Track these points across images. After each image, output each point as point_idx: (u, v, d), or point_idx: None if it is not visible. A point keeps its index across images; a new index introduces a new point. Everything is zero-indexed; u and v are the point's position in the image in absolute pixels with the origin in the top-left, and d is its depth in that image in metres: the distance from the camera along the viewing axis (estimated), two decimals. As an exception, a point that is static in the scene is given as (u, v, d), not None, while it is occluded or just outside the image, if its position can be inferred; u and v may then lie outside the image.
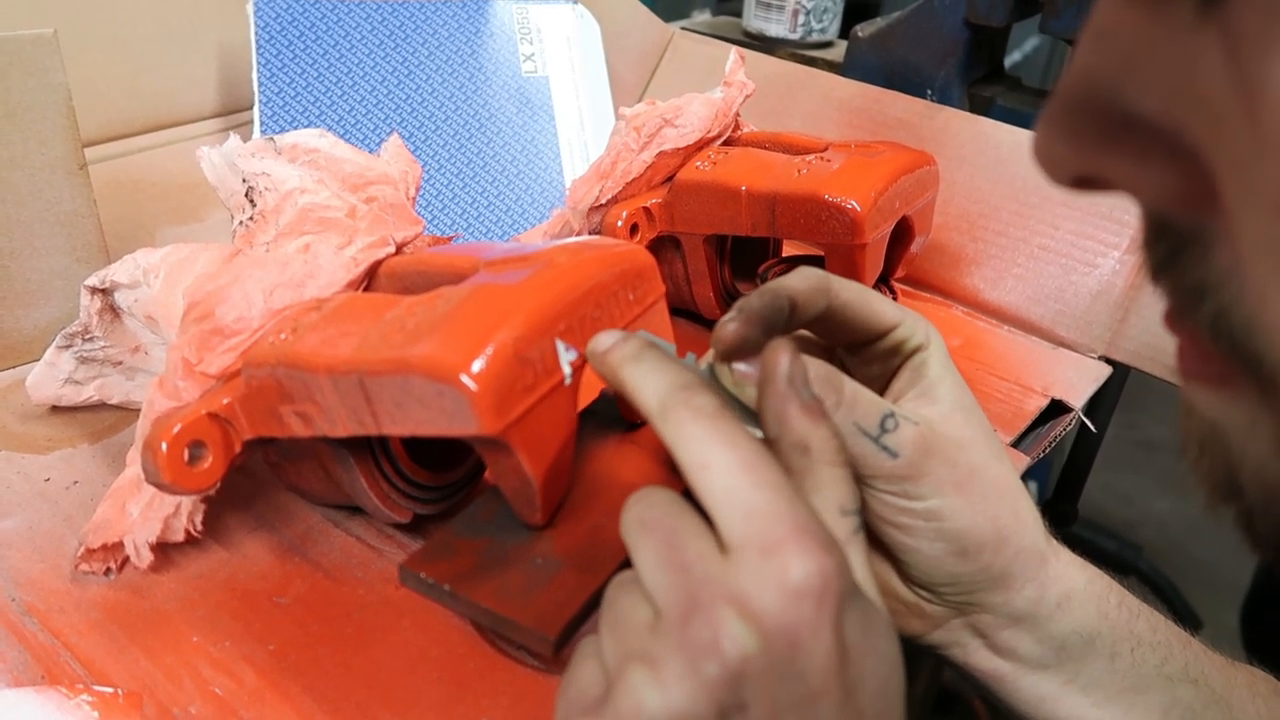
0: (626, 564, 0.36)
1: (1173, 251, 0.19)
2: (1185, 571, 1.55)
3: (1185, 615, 1.24)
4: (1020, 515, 0.35)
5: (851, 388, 0.33)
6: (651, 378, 0.29)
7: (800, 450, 0.29)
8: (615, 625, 0.27)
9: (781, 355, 0.30)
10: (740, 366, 0.32)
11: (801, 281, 0.33)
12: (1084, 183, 0.20)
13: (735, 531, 0.26)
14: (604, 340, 0.32)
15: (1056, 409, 0.59)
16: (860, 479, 0.34)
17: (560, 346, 0.36)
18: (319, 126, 0.68)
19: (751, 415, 0.32)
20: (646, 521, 0.28)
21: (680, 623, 0.25)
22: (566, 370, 0.36)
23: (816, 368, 0.32)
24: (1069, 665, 0.36)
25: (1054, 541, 0.37)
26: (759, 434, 0.31)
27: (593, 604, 0.34)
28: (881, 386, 0.37)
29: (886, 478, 0.33)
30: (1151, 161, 0.18)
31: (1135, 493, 1.78)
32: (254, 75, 0.67)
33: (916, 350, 0.36)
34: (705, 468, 0.27)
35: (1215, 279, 0.18)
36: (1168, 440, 1.87)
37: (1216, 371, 0.19)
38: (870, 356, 0.36)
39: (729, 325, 0.32)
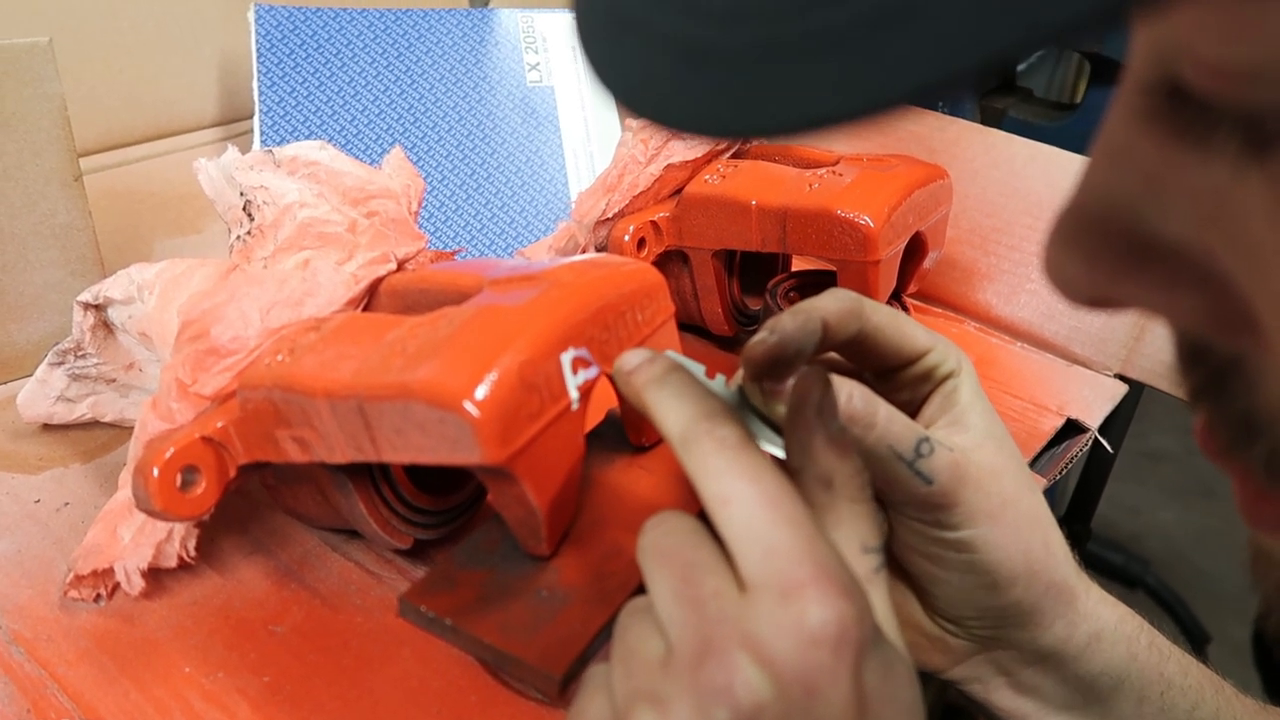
0: (635, 596, 0.35)
1: (1213, 377, 0.18)
2: (1191, 583, 1.54)
3: (1193, 630, 1.23)
4: (1051, 548, 0.34)
5: (887, 411, 0.32)
6: (675, 404, 0.28)
7: (824, 484, 0.28)
8: (626, 658, 0.26)
9: (813, 385, 0.29)
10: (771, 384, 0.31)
11: (834, 303, 0.32)
12: (1104, 304, 0.19)
13: (754, 570, 0.25)
14: (630, 360, 0.30)
15: (1072, 428, 0.58)
16: (891, 505, 0.33)
17: (567, 370, 0.34)
18: (320, 137, 0.67)
19: (781, 434, 0.31)
20: (664, 550, 0.27)
21: (692, 663, 0.24)
22: (574, 395, 0.35)
23: (853, 389, 0.31)
24: (1095, 707, 0.35)
25: (1084, 577, 0.36)
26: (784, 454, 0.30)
27: (600, 639, 0.33)
28: (910, 414, 0.35)
29: (919, 505, 0.32)
30: (1179, 287, 0.17)
31: (1141, 504, 1.76)
32: (254, 85, 0.66)
33: (947, 377, 0.35)
34: (726, 502, 0.25)
35: (1267, 415, 0.16)
36: (1173, 451, 1.85)
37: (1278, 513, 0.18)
38: (900, 383, 0.35)
39: (761, 345, 0.31)
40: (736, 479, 0.26)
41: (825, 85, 0.14)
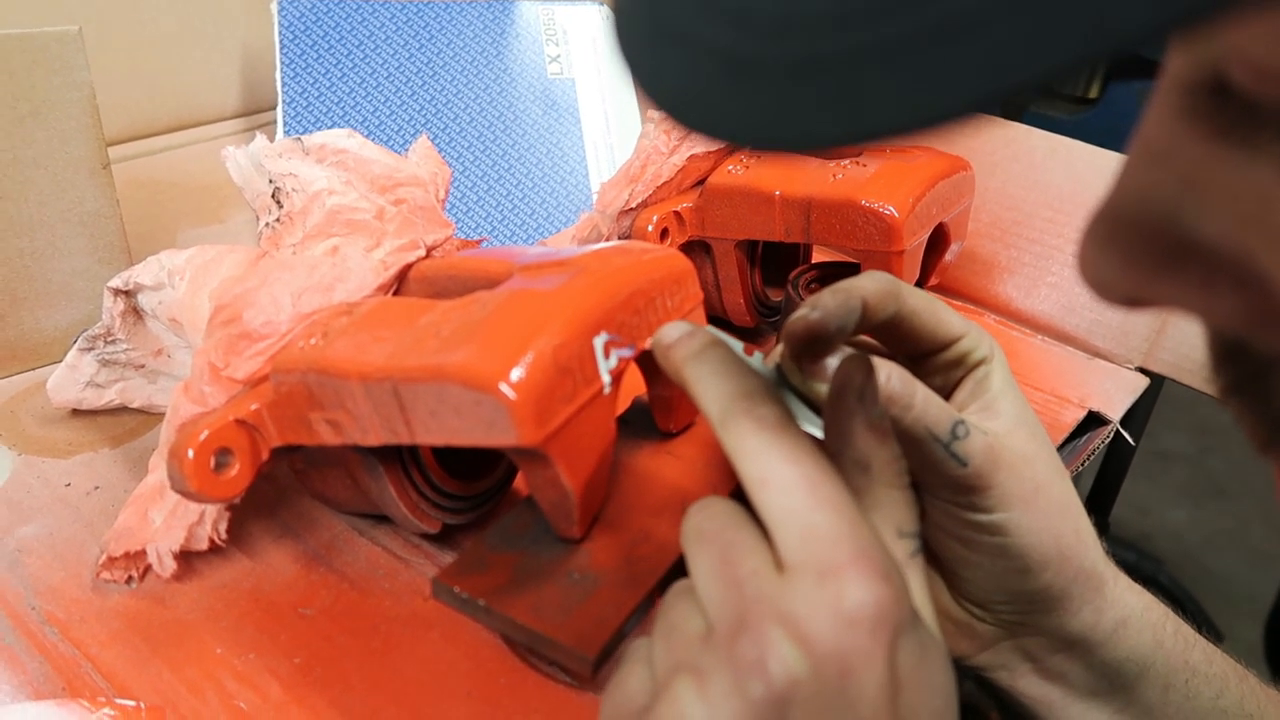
0: (667, 580, 0.35)
1: (1250, 376, 0.18)
2: (1202, 583, 1.54)
3: (1206, 628, 1.23)
4: (1081, 535, 0.34)
5: (924, 393, 0.32)
6: (715, 381, 0.28)
7: (861, 468, 0.28)
8: (668, 633, 0.26)
9: (856, 370, 0.29)
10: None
11: (873, 284, 0.33)
12: (1139, 303, 0.19)
13: (793, 551, 0.25)
14: (670, 332, 0.30)
15: (1093, 421, 0.58)
16: (925, 488, 0.33)
17: (600, 354, 0.35)
18: (343, 127, 0.68)
19: (818, 413, 0.31)
20: (705, 532, 0.27)
21: (729, 638, 0.25)
22: (606, 379, 0.35)
23: (891, 369, 0.31)
24: (1121, 694, 0.35)
25: (1112, 564, 0.36)
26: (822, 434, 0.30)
27: (632, 622, 0.33)
28: (943, 398, 0.36)
29: (954, 487, 0.32)
30: (1217, 287, 0.17)
31: (1151, 503, 1.76)
32: (278, 75, 0.67)
33: (980, 363, 0.35)
34: (765, 483, 0.26)
35: None
36: (1185, 451, 1.85)
37: None
38: (933, 367, 0.35)
39: (802, 321, 0.31)
40: (776, 460, 0.26)
41: (878, 98, 0.14)
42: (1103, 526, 0.88)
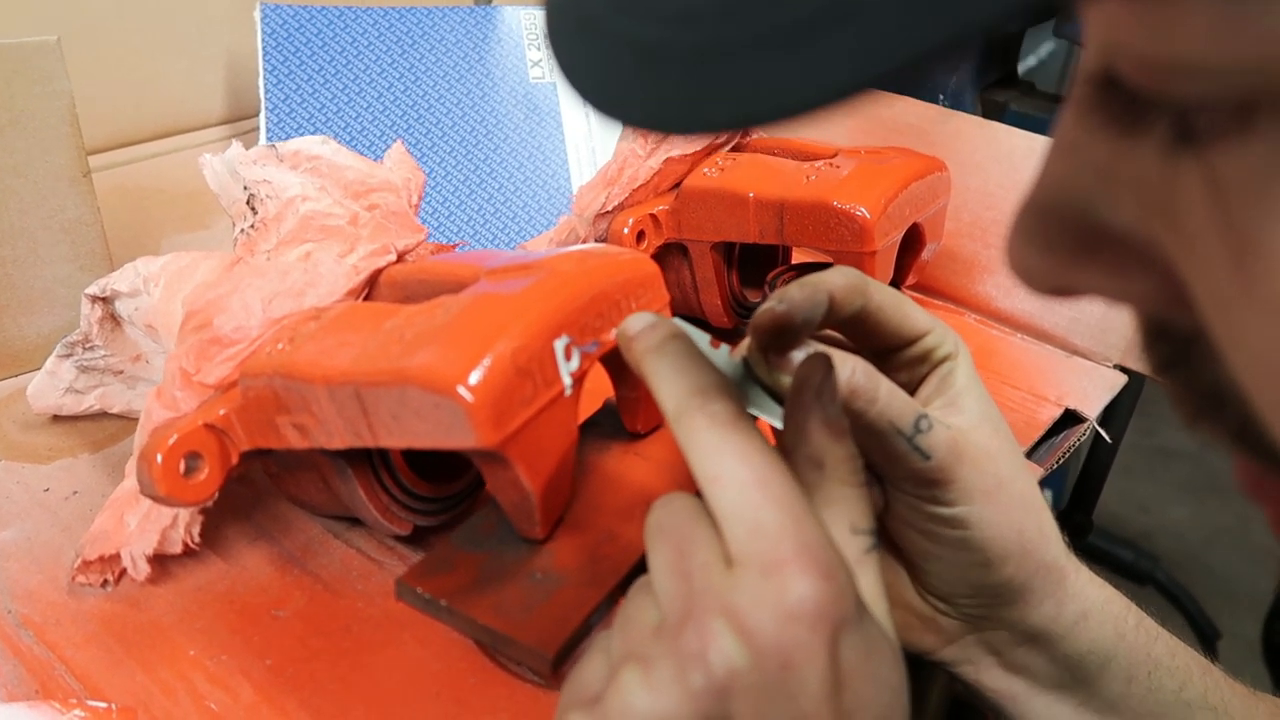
0: (629, 579, 0.35)
1: (1175, 353, 0.18)
2: (1202, 581, 1.53)
3: (1203, 626, 1.22)
4: (1043, 529, 0.35)
5: (888, 387, 0.32)
6: (671, 376, 0.28)
7: (815, 465, 0.28)
8: (625, 625, 0.27)
9: (815, 369, 0.29)
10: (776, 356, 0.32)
11: (841, 279, 0.33)
12: (1063, 292, 0.19)
13: (740, 546, 0.25)
14: (634, 323, 0.30)
15: (1071, 419, 0.58)
16: (889, 481, 0.34)
17: (560, 357, 0.35)
18: (325, 134, 0.68)
19: (781, 405, 0.31)
20: (664, 527, 0.27)
21: (675, 629, 0.25)
22: (567, 381, 0.35)
23: (856, 364, 0.32)
24: (1084, 687, 0.35)
25: (1073, 558, 0.36)
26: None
27: (592, 620, 0.34)
28: (908, 394, 0.36)
29: (917, 480, 0.33)
30: (1128, 273, 0.18)
31: (1152, 501, 1.76)
32: (260, 83, 0.67)
33: (944, 360, 0.35)
34: (715, 480, 0.26)
35: (1230, 387, 0.17)
36: (1185, 448, 1.84)
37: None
38: (898, 364, 0.36)
39: (768, 314, 0.31)
40: (727, 457, 0.26)
41: (773, 82, 0.15)
42: (1087, 525, 0.89)
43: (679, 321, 0.31)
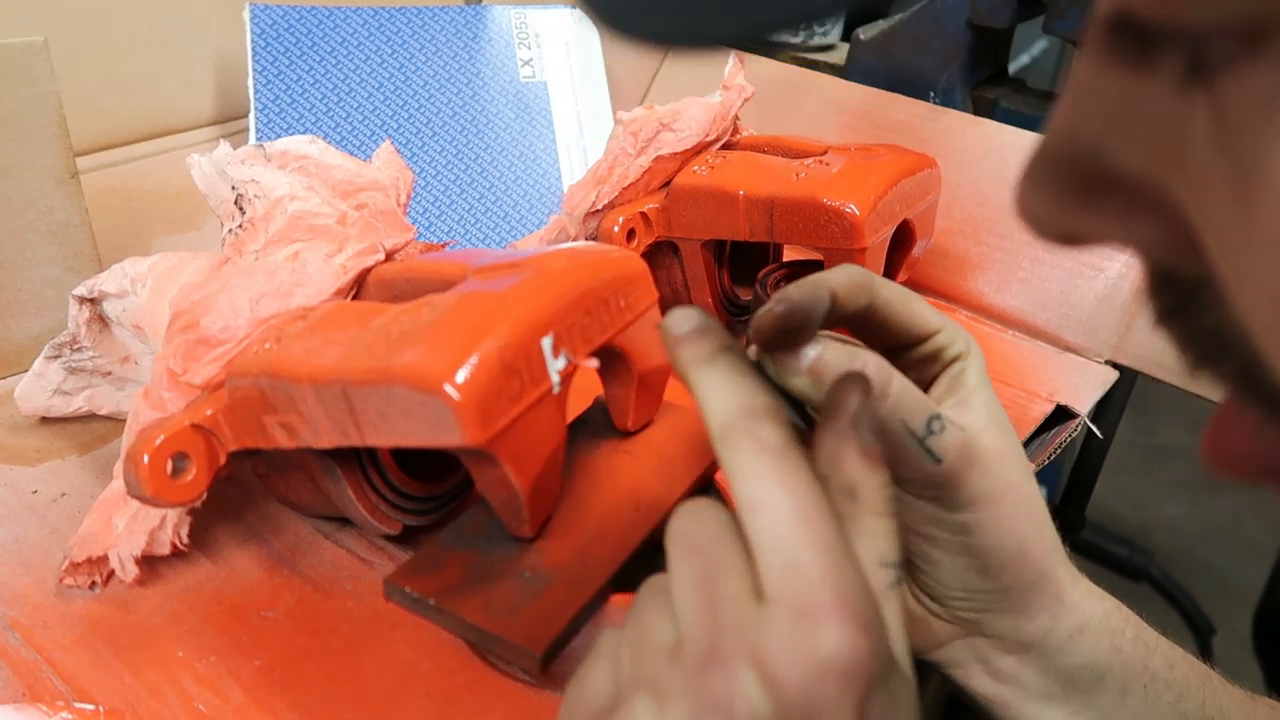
0: (617, 578, 0.35)
1: (1180, 300, 0.18)
2: (1197, 577, 1.53)
3: (1198, 622, 1.22)
4: (1045, 537, 0.34)
5: (900, 383, 0.31)
6: (720, 391, 0.27)
7: (848, 494, 0.27)
8: (637, 638, 0.26)
9: (852, 393, 0.28)
10: (783, 355, 0.31)
11: (843, 276, 0.32)
12: (1071, 239, 0.19)
13: (775, 583, 0.24)
14: (681, 324, 0.28)
15: (1062, 415, 0.58)
16: (896, 481, 0.33)
17: (548, 355, 0.35)
18: (315, 134, 0.68)
19: (795, 405, 0.31)
20: (692, 542, 0.26)
21: (698, 666, 0.24)
22: (554, 379, 0.35)
23: (869, 358, 0.31)
24: (1076, 698, 0.35)
25: (1073, 569, 0.35)
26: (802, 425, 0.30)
27: (581, 619, 0.34)
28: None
29: (924, 483, 0.32)
30: (1136, 218, 0.18)
31: (1147, 498, 1.76)
32: (250, 83, 0.67)
33: (956, 359, 0.34)
34: (756, 508, 0.25)
35: (1233, 331, 0.16)
36: (1181, 445, 1.85)
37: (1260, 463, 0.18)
38: (908, 362, 0.35)
39: (768, 315, 0.30)
40: (770, 484, 0.25)
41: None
42: (1080, 522, 0.89)
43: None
